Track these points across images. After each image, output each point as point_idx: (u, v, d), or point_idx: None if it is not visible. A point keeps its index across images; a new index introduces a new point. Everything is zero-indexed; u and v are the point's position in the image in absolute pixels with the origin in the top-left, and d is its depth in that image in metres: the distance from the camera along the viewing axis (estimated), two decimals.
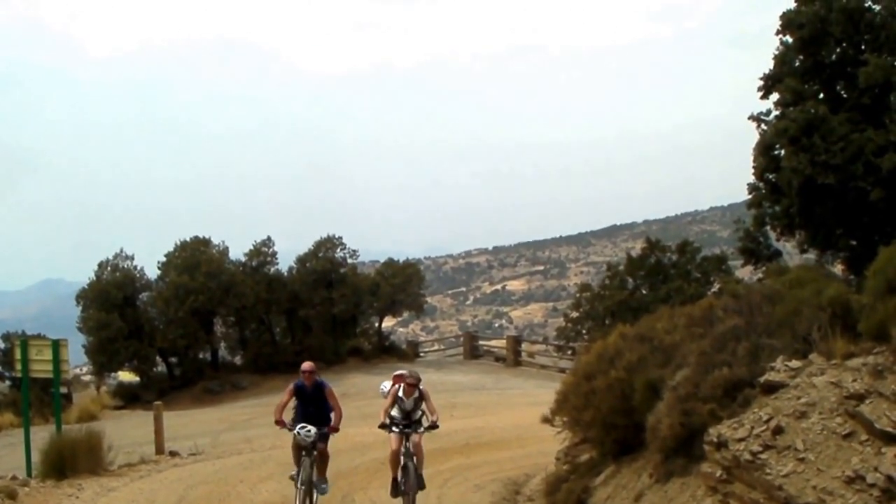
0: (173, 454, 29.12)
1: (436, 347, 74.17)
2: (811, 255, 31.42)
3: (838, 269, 29.61)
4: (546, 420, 21.84)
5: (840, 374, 14.65)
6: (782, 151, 29.02)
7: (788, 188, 28.17)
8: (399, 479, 19.48)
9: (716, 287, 46.05)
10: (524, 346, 61.63)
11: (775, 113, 30.75)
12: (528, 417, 23.43)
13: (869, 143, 26.61)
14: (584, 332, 55.50)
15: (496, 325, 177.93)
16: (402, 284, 61.71)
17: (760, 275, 30.81)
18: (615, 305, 53.18)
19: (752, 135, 30.72)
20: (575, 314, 58.82)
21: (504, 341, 62.36)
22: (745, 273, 42.20)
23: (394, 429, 19.37)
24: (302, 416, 19.46)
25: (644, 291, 54.95)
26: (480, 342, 64.23)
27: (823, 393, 14.54)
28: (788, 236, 31.14)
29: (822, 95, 30.37)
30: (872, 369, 14.01)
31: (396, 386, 19.78)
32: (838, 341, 15.45)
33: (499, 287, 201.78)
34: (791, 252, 35.12)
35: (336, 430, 19.42)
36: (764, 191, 30.62)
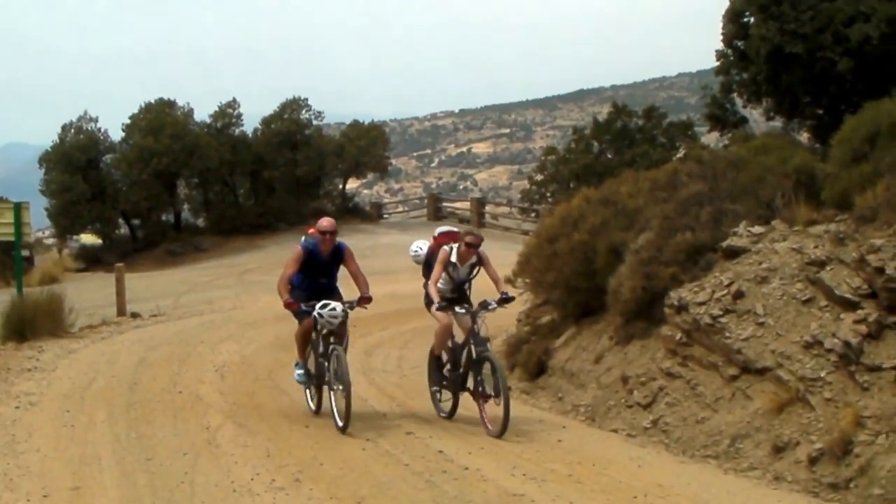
0: (135, 316, 29.19)
1: (400, 209, 74.17)
2: (777, 123, 31.37)
3: (804, 137, 29.57)
4: (508, 281, 21.98)
5: (802, 240, 14.77)
6: (751, 19, 28.78)
7: (756, 56, 27.95)
8: (474, 377, 15.66)
9: (681, 153, 46.08)
10: (488, 208, 61.79)
11: None
12: (486, 279, 23.57)
13: (838, 13, 26.40)
14: (548, 195, 55.59)
15: (461, 187, 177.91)
16: (366, 146, 61.48)
17: (726, 141, 30.76)
18: (580, 169, 53.20)
19: (723, 2, 30.53)
20: (539, 177, 58.83)
21: (468, 203, 62.46)
22: (712, 139, 42.17)
23: (458, 309, 15.75)
24: (308, 290, 15.86)
25: (609, 156, 54.97)
26: (444, 204, 64.31)
27: (785, 259, 14.68)
28: (755, 104, 30.96)
29: None
30: (834, 237, 14.12)
31: (447, 248, 15.81)
32: (801, 208, 15.59)
33: (464, 149, 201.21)
34: (757, 119, 35.06)
35: (370, 299, 16.01)
36: (732, 58, 30.34)
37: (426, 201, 65.85)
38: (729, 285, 15.02)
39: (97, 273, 48.78)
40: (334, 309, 15.33)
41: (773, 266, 14.71)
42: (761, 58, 27.92)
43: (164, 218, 60.74)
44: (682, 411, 14.94)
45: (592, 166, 52.63)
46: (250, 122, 62.42)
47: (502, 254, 25.42)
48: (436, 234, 16.66)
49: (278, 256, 41.23)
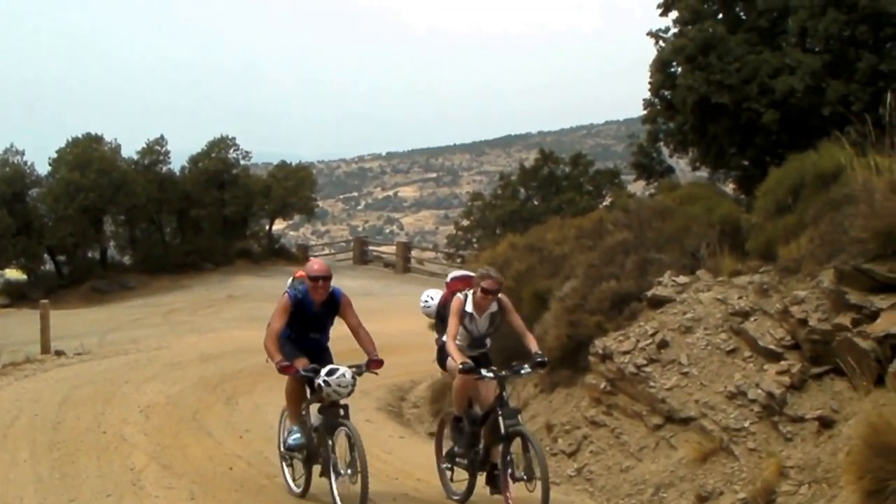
0: (59, 353, 28.71)
1: (326, 251, 74.01)
2: (703, 173, 31.79)
3: (730, 187, 29.97)
4: (433, 327, 21.99)
5: (726, 290, 14.95)
6: (679, 69, 29.19)
7: (683, 105, 28.36)
8: (500, 463, 12.21)
9: (608, 200, 46.46)
10: (414, 252, 61.77)
11: (674, 30, 30.86)
12: (416, 324, 23.43)
13: (764, 65, 26.87)
14: (474, 240, 55.80)
15: (387, 230, 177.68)
16: (293, 187, 61.20)
17: (652, 190, 31.10)
18: (506, 215, 53.50)
19: (651, 51, 30.91)
20: (466, 222, 59.09)
21: (394, 247, 62.45)
22: (638, 188, 42.56)
23: (485, 373, 12.19)
24: (297, 346, 13.01)
25: (536, 202, 55.30)
26: (370, 247, 64.23)
27: (709, 309, 14.83)
28: (681, 153, 31.41)
29: (720, 16, 30.51)
30: (758, 287, 14.30)
31: (461, 295, 12.64)
32: (726, 259, 15.77)
33: (391, 193, 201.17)
34: (684, 169, 35.45)
35: (382, 363, 12.90)
36: (659, 107, 30.80)
37: (352, 244, 65.70)
38: (653, 334, 15.14)
39: (21, 309, 48.07)
40: (343, 376, 12.32)
41: (697, 316, 14.85)
42: (688, 107, 28.31)
43: (90, 255, 59.95)
44: (607, 460, 15.00)
45: (519, 212, 52.94)
46: (178, 159, 62.03)
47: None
48: (448, 279, 13.60)
49: (204, 296, 41.11)
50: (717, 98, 27.08)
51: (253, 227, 63.44)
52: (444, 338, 12.75)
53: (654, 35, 31.43)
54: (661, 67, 30.25)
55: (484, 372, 12.18)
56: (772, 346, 13.26)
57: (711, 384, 13.77)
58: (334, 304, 13.04)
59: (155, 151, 59.93)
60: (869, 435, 9.98)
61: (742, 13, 30.76)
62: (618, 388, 15.37)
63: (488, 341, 13.15)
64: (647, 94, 31.35)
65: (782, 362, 12.98)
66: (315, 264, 13.06)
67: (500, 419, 11.99)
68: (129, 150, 60.07)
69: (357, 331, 13.08)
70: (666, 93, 30.30)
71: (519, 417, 12.12)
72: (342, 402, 12.57)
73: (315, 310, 12.92)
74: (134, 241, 60.27)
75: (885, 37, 27.39)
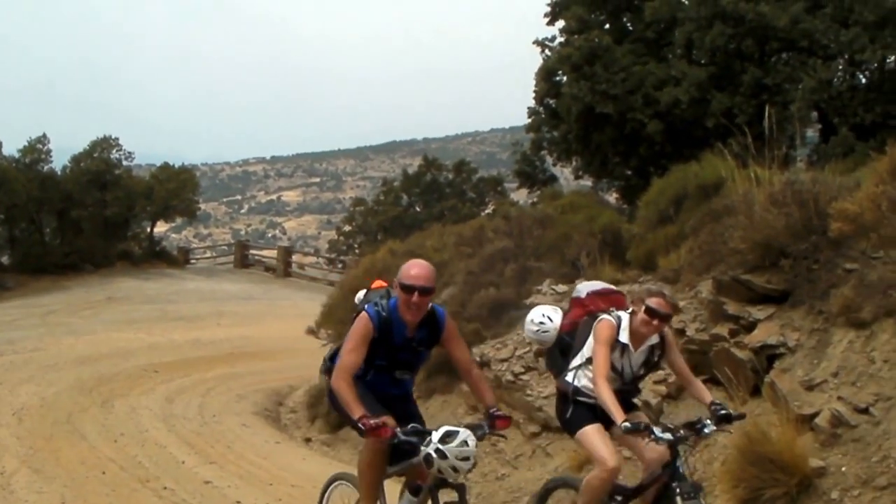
0: None
1: (207, 255, 73.39)
2: (587, 182, 32.13)
3: (613, 197, 30.33)
4: (311, 332, 21.92)
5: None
6: (564, 78, 29.47)
7: (567, 114, 28.66)
8: None
9: (490, 208, 46.75)
10: (295, 257, 61.50)
11: (560, 39, 31.16)
12: (295, 329, 23.44)
13: (650, 76, 27.25)
14: (355, 246, 55.78)
15: (269, 235, 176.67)
16: (176, 189, 60.71)
17: (535, 198, 31.36)
18: (388, 221, 53.63)
19: (537, 60, 31.17)
20: (347, 228, 59.05)
21: (275, 251, 62.18)
22: (521, 196, 42.91)
23: (660, 434, 8.42)
24: (375, 391, 8.86)
25: (418, 209, 55.48)
26: (252, 251, 63.82)
27: None
28: (565, 162, 31.75)
29: (607, 26, 30.89)
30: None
31: (611, 318, 8.96)
32: (606, 268, 15.90)
33: (274, 197, 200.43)
34: (567, 178, 35.82)
35: (509, 420, 8.87)
36: (543, 115, 31.11)
37: (233, 248, 65.23)
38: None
39: None
40: (466, 443, 8.06)
41: None
42: (572, 116, 28.62)
43: None
44: (483, 467, 14.99)
45: (401, 218, 53.10)
46: (60, 158, 61.11)
47: (306, 303, 25.51)
48: (580, 294, 9.63)
49: (83, 298, 40.39)
50: (602, 108, 27.41)
51: (134, 228, 62.77)
52: (574, 378, 9.14)
53: (541, 44, 31.72)
54: (546, 76, 30.55)
55: (658, 432, 8.36)
56: None
57: None
58: (435, 329, 8.77)
59: (36, 150, 58.98)
60: (744, 444, 10.17)
61: (629, 24, 31.20)
62: (496, 395, 15.38)
63: (640, 385, 9.69)
64: (533, 103, 31.61)
65: (659, 372, 13.06)
66: (414, 267, 8.52)
67: (678, 496, 8.42)
68: (10, 147, 59.00)
69: (469, 370, 9.00)
70: (551, 101, 30.60)
71: (701, 497, 8.51)
72: (459, 480, 8.32)
73: (407, 336, 8.66)
74: (13, 240, 59.22)
75: (771, 50, 27.98)
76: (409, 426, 8.33)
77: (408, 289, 8.39)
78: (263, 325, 33.14)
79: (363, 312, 8.61)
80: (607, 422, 8.69)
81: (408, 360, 8.90)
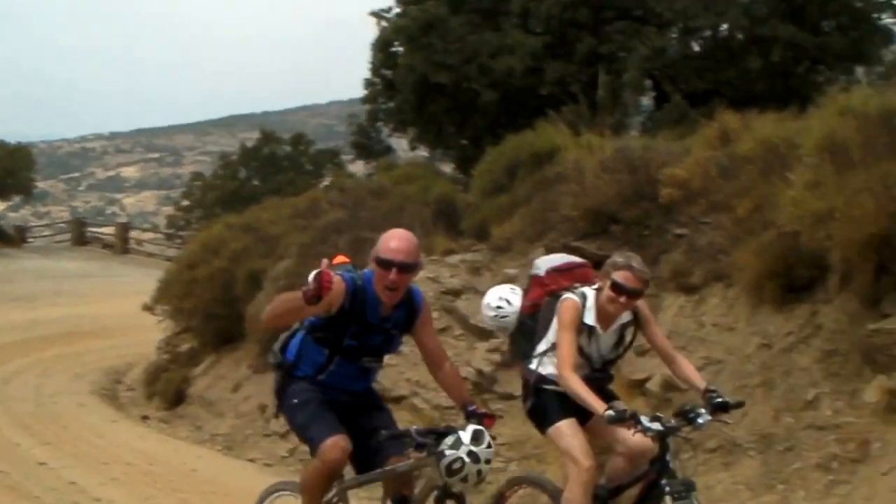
0: None
1: (45, 233, 72.11)
2: (423, 153, 32.19)
3: (449, 167, 30.42)
4: (147, 308, 21.67)
5: (438, 269, 15.15)
6: (400, 49, 29.50)
7: (403, 85, 28.68)
8: None
9: (327, 180, 46.70)
10: (133, 233, 60.69)
11: (396, 10, 31.14)
12: (133, 306, 23.14)
13: (485, 46, 27.35)
14: (193, 221, 55.28)
15: (109, 211, 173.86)
16: (11, 167, 59.60)
17: (372, 170, 31.36)
18: (226, 195, 53.17)
19: (374, 31, 31.14)
20: (186, 203, 58.47)
21: (113, 228, 61.30)
22: (359, 168, 42.87)
23: (648, 424, 7.27)
24: (336, 382, 7.50)
25: (256, 182, 55.14)
26: (90, 228, 62.80)
27: (422, 287, 14.91)
28: (401, 133, 31.79)
29: None
30: (470, 266, 14.59)
31: (574, 296, 7.94)
32: (440, 238, 15.96)
33: (113, 173, 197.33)
34: (404, 149, 35.84)
35: (494, 418, 7.53)
36: (380, 87, 31.10)
37: (70, 225, 64.14)
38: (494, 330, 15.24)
39: None
40: (490, 446, 6.93)
41: None
42: (407, 87, 28.62)
43: None
44: None
45: (238, 192, 52.66)
46: None
47: (144, 280, 25.17)
48: (539, 270, 8.44)
49: None
50: (437, 78, 27.45)
51: None
52: (539, 364, 8.05)
53: (377, 15, 31.65)
54: (382, 47, 30.50)
55: (646, 422, 7.25)
56: (482, 325, 13.46)
57: (422, 363, 13.94)
58: (412, 311, 7.47)
59: None
60: None
61: None
62: None
63: (612, 371, 8.39)
64: (370, 75, 31.59)
65: (492, 340, 13.25)
66: (393, 238, 7.14)
67: (669, 497, 7.36)
68: None
69: (441, 362, 7.66)
70: (387, 73, 30.57)
71: (693, 497, 7.39)
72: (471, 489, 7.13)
73: (381, 315, 7.31)
74: None
75: (605, 19, 28.34)
76: (422, 427, 7.11)
77: (385, 263, 6.98)
78: (102, 302, 32.68)
79: (338, 275, 6.96)
80: (581, 413, 7.73)
81: (379, 344, 7.44)
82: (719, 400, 7.44)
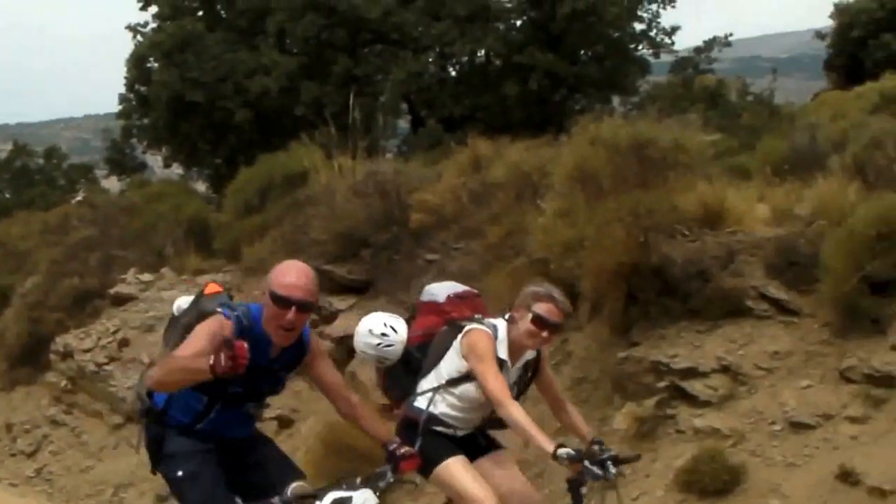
0: None
1: None
2: (178, 171, 31.79)
3: (203, 186, 30.10)
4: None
5: (189, 289, 14.82)
6: (156, 65, 29.07)
7: (157, 102, 28.33)
8: None
9: (81, 195, 45.67)
10: None
11: (153, 25, 30.67)
12: None
13: (241, 65, 27.23)
14: None
15: None
16: None
17: (125, 186, 30.78)
18: None
19: (130, 45, 30.61)
20: None
21: None
22: (113, 184, 42.09)
23: (591, 468, 6.26)
24: (217, 431, 6.18)
25: (8, 195, 53.54)
26: None
27: (171, 307, 14.69)
28: (155, 150, 31.41)
29: (201, 13, 30.60)
30: (221, 286, 14.30)
31: (485, 328, 6.77)
32: (191, 257, 15.72)
33: None
34: (161, 166, 35.32)
35: (416, 458, 6.15)
36: (134, 103, 30.61)
37: None
38: (115, 332, 14.88)
39: None
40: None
41: (159, 314, 14.66)
42: (162, 104, 28.21)
43: None
44: (67, 460, 14.62)
45: None
46: None
47: None
48: (437, 297, 7.26)
49: None
50: (191, 96, 27.18)
51: None
52: (430, 403, 6.96)
53: (133, 29, 31.07)
54: (137, 63, 30.00)
55: (588, 465, 6.30)
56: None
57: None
58: (300, 348, 6.22)
59: None
60: (326, 434, 10.24)
61: (223, 11, 30.97)
62: (78, 386, 15.03)
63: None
64: (125, 90, 31.05)
65: None
66: (290, 272, 5.88)
67: None
68: None
69: (346, 396, 6.40)
70: (142, 88, 30.05)
71: None
72: None
73: (271, 357, 6.07)
74: None
75: (362, 42, 28.42)
76: (290, 491, 5.79)
77: (281, 301, 5.76)
78: None
79: (217, 314, 5.89)
80: (469, 452, 6.86)
81: (267, 388, 6.29)
82: (611, 454, 6.45)
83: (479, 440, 6.96)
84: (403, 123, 30.44)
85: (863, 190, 10.48)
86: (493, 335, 6.71)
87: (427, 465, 6.57)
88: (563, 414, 7.02)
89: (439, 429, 6.81)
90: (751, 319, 9.47)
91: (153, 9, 30.94)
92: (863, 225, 8.90)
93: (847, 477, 7.77)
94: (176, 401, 6.03)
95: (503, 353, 6.70)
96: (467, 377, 6.67)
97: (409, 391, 7.00)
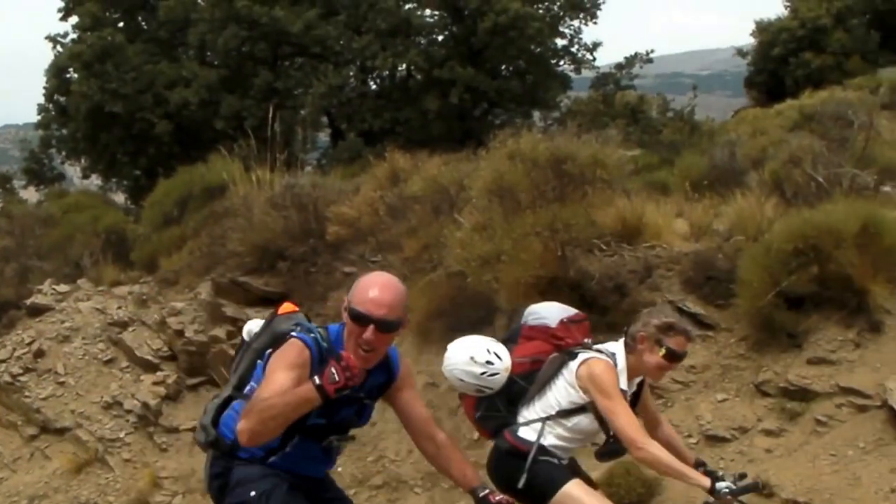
0: None
1: None
2: (97, 182, 31.48)
3: (121, 197, 29.81)
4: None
5: (106, 300, 14.71)
6: (75, 75, 28.77)
7: (77, 113, 28.06)
8: None
9: None
10: None
11: (73, 36, 30.35)
12: None
13: (161, 76, 27.05)
14: None
15: None
16: None
17: (43, 197, 30.42)
18: None
19: (49, 55, 30.30)
20: None
21: None
22: (31, 195, 41.56)
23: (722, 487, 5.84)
24: (293, 466, 5.24)
25: None
26: None
27: (88, 318, 14.50)
28: (74, 160, 31.10)
29: (122, 24, 30.33)
30: (138, 298, 14.19)
31: (606, 358, 6.17)
32: (109, 268, 15.52)
33: None
34: (80, 177, 34.94)
35: None
36: (53, 113, 30.28)
37: None
38: (30, 343, 14.59)
39: None
40: None
41: (76, 325, 14.47)
42: (81, 115, 27.92)
43: None
44: None
45: None
46: None
47: None
48: (547, 320, 6.51)
49: None
50: (111, 107, 26.91)
51: None
52: (540, 434, 6.26)
53: (53, 39, 30.70)
54: (57, 73, 29.66)
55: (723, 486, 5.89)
56: (149, 357, 13.20)
57: (88, 394, 13.47)
58: (386, 378, 5.37)
59: None
60: None
61: (144, 23, 30.72)
62: None
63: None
64: (44, 100, 30.67)
65: (159, 373, 12.97)
66: (373, 285, 5.03)
67: None
68: None
69: (433, 434, 5.45)
70: (61, 99, 29.71)
71: None
72: None
73: (344, 391, 4.96)
74: None
75: (284, 55, 28.26)
76: None
77: (359, 318, 4.94)
78: None
79: (294, 339, 5.11)
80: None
81: (350, 419, 5.34)
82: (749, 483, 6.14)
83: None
84: (324, 137, 30.33)
85: (780, 206, 10.56)
86: (614, 365, 6.14)
87: (542, 494, 6.13)
88: (656, 432, 6.39)
89: (547, 459, 6.20)
90: None
91: (73, 19, 30.60)
92: (779, 240, 8.93)
93: (762, 489, 7.22)
94: None
95: (624, 384, 6.15)
96: (582, 409, 6.13)
97: (507, 421, 6.34)
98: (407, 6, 29.17)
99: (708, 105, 33.76)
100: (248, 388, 5.22)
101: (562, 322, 6.38)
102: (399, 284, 5.09)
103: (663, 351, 6.04)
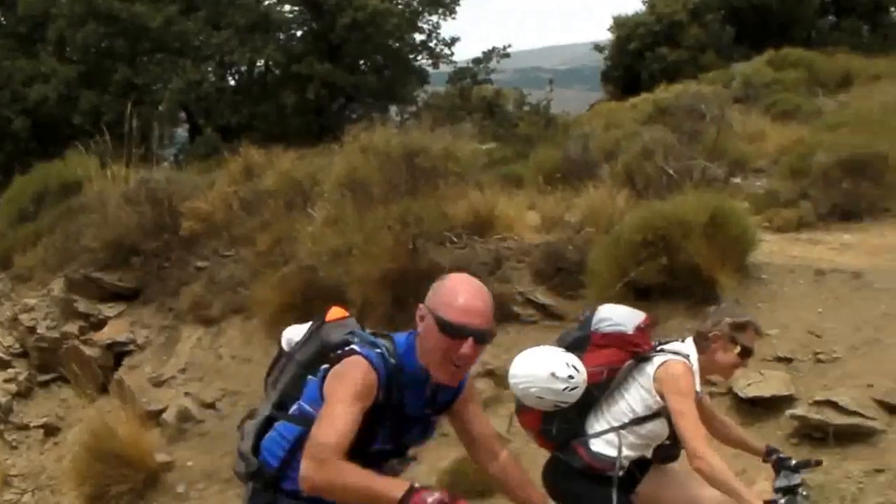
0: None
1: None
2: None
3: None
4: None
5: None
6: None
7: None
8: None
9: None
10: None
11: None
12: None
13: (19, 72, 26.56)
14: None
15: None
16: None
17: None
18: None
19: None
20: None
21: None
22: None
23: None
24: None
25: None
26: None
27: None
28: None
29: None
30: None
31: (682, 360, 5.69)
32: None
33: None
34: None
35: None
36: None
37: None
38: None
39: None
40: None
41: None
42: None
43: None
44: None
45: None
46: None
47: None
48: (622, 328, 5.88)
49: None
50: None
51: None
52: (619, 447, 5.75)
53: None
54: None
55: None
56: (0, 354, 12.84)
57: None
58: (454, 391, 4.59)
59: None
60: (91, 441, 9.85)
61: (2, 18, 30.14)
62: None
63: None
64: None
65: (10, 370, 12.67)
66: (462, 291, 4.12)
67: None
68: None
69: (495, 451, 4.69)
70: None
71: None
72: None
73: (425, 399, 4.45)
74: None
75: (143, 50, 27.91)
76: None
77: (454, 331, 4.08)
78: None
79: (356, 356, 4.22)
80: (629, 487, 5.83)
81: (417, 439, 4.60)
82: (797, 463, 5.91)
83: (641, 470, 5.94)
84: (182, 132, 30.04)
85: (632, 198, 10.67)
86: (691, 366, 5.74)
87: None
88: (712, 426, 6.04)
89: (621, 475, 5.75)
90: (516, 325, 9.51)
91: None
92: (629, 232, 9.01)
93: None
94: (297, 460, 4.21)
95: (699, 386, 5.73)
96: (657, 414, 5.70)
97: (577, 432, 5.83)
98: (266, 2, 29.08)
99: (565, 99, 33.95)
100: (294, 407, 4.50)
101: (638, 328, 5.91)
102: (482, 285, 4.29)
103: (738, 349, 5.77)
